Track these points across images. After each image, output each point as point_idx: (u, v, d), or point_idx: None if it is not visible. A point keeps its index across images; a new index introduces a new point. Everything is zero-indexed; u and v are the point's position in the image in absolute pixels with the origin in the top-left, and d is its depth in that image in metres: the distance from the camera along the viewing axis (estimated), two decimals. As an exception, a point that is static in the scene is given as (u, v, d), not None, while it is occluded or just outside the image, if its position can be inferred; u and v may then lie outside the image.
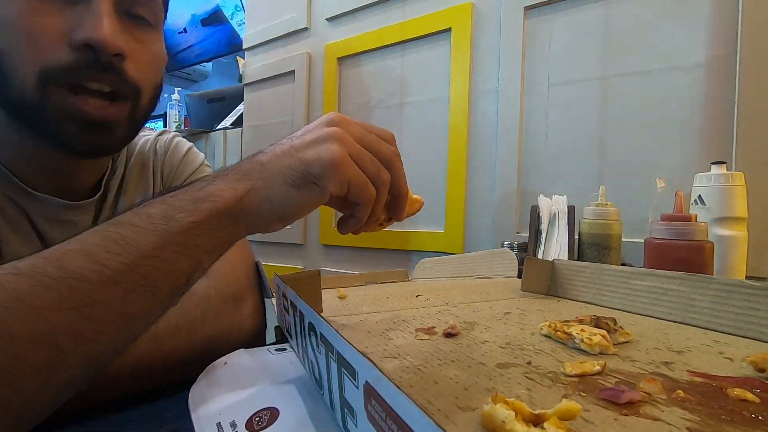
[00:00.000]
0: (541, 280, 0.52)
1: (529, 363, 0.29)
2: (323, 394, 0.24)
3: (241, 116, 1.52)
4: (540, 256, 0.73)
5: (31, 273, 0.24)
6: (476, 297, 0.51)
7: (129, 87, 0.40)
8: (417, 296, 0.52)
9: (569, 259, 0.69)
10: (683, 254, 0.48)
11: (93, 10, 0.36)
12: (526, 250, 0.80)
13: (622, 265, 0.70)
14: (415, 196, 0.39)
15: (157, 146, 0.55)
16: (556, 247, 0.70)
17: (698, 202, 0.66)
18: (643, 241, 0.58)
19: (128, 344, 0.28)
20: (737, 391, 0.24)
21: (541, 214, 0.75)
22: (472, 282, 0.63)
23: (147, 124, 0.49)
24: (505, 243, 0.82)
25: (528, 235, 0.78)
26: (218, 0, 1.92)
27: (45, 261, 0.25)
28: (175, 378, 0.35)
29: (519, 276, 0.60)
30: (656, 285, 0.42)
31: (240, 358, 0.34)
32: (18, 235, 0.42)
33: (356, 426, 0.18)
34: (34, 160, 0.43)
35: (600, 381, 0.26)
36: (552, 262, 0.52)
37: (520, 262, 0.62)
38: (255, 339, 0.45)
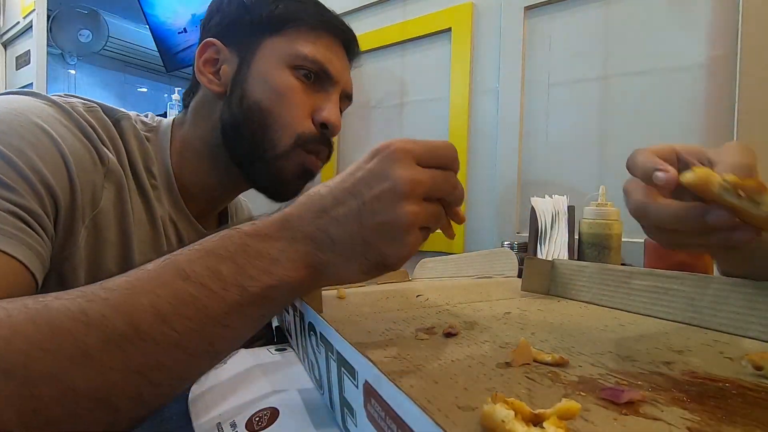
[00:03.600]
0: (542, 279, 0.52)
1: (529, 363, 0.29)
2: (323, 394, 0.24)
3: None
4: (540, 256, 0.72)
5: (100, 325, 0.23)
6: (476, 297, 0.51)
7: (330, 152, 0.56)
8: (417, 296, 0.52)
9: (569, 259, 0.69)
10: (683, 255, 0.48)
11: (331, 99, 0.53)
12: (526, 250, 0.80)
13: (622, 265, 0.70)
14: None
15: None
16: (556, 247, 0.70)
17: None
18: (643, 241, 0.58)
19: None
20: (737, 391, 0.24)
21: (537, 215, 0.75)
22: (472, 282, 0.63)
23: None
24: (505, 243, 0.82)
25: (528, 234, 0.78)
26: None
27: (114, 311, 0.23)
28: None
29: (519, 276, 0.60)
30: (656, 285, 0.42)
31: (240, 358, 0.34)
32: None
33: (356, 425, 0.18)
34: (202, 191, 0.54)
35: (600, 381, 0.26)
36: (552, 262, 0.52)
37: (520, 262, 0.62)
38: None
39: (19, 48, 2.36)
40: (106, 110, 0.47)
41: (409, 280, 0.78)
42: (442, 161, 0.30)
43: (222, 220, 0.65)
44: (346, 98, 0.57)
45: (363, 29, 1.17)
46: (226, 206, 0.64)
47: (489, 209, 0.97)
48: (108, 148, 0.43)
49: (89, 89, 3.46)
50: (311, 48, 0.51)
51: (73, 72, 3.47)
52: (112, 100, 3.64)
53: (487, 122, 0.97)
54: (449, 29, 1.01)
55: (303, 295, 0.30)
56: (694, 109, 0.76)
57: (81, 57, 3.13)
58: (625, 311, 0.44)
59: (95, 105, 0.46)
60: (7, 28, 2.41)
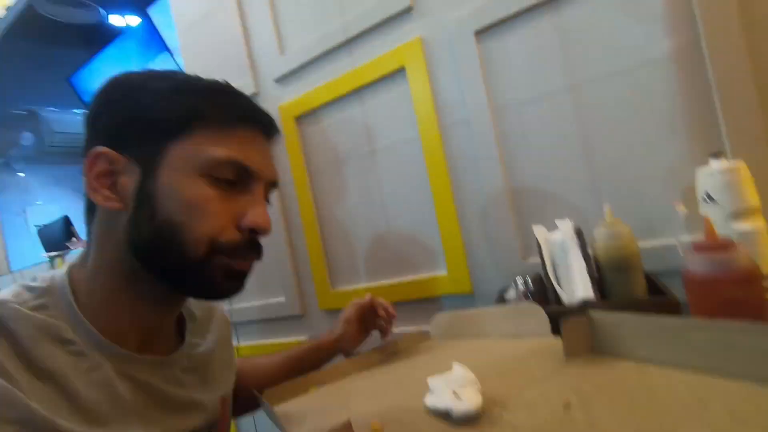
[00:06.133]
0: (584, 340, 0.47)
1: None
2: None
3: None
4: (561, 295, 0.68)
5: None
6: (519, 379, 0.46)
7: (260, 251, 0.51)
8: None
9: (593, 287, 0.64)
10: (733, 289, 0.43)
11: (256, 199, 0.48)
12: (540, 283, 0.75)
13: (648, 280, 0.66)
14: None
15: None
16: (576, 281, 0.65)
17: (707, 199, 0.63)
18: (647, 245, 0.53)
19: None
20: None
21: (543, 248, 0.70)
22: (504, 352, 0.57)
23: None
24: (517, 279, 0.77)
25: (540, 262, 0.73)
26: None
27: None
28: None
29: (552, 332, 0.55)
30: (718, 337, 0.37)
31: None
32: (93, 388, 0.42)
33: None
34: (126, 319, 0.47)
35: None
36: (591, 319, 0.47)
37: (537, 294, 0.55)
38: None
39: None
40: None
41: (429, 340, 0.73)
42: None
43: (181, 325, 0.59)
44: (271, 186, 0.53)
45: (314, 84, 1.12)
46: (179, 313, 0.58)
47: (485, 242, 0.92)
48: None
49: (42, 190, 3.31)
50: (224, 150, 0.46)
51: (22, 175, 3.33)
52: (69, 195, 3.49)
53: (464, 154, 0.93)
54: (403, 68, 0.98)
55: None
56: (673, 102, 0.74)
57: (26, 160, 3.01)
58: (686, 369, 0.39)
59: None
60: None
